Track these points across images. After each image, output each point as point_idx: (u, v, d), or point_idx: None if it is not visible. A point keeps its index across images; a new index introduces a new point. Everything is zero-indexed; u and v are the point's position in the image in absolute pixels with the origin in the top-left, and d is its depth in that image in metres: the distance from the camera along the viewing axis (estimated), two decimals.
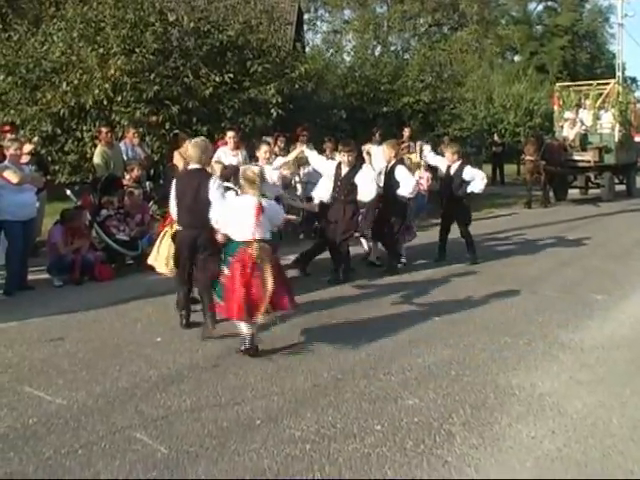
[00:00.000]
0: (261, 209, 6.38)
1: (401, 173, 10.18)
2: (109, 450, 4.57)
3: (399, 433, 4.81)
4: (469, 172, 10.98)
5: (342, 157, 9.79)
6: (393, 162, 10.31)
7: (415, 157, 13.51)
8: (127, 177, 11.46)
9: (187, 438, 4.73)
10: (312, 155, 10.54)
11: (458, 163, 11.05)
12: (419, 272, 10.43)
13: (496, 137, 30.10)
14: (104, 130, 12.15)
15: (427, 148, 12.47)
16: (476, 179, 10.92)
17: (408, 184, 10.12)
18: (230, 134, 11.75)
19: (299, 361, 6.36)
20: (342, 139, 10.52)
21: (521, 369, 6.15)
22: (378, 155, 10.72)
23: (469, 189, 10.94)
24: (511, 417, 5.09)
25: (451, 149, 11.38)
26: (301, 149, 10.66)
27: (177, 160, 11.75)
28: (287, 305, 6.58)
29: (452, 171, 11.06)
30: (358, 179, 9.61)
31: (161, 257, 7.97)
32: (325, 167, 10.20)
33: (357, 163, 9.96)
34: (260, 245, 6.35)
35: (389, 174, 10.26)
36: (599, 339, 7.05)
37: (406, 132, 16.83)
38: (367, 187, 9.60)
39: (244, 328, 6.49)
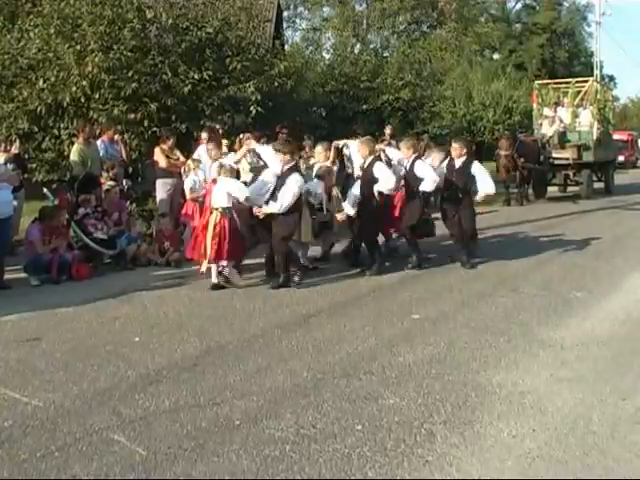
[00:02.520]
0: (214, 183, 9.17)
1: (380, 170, 10.01)
2: (86, 452, 4.49)
3: (379, 433, 4.77)
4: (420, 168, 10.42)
5: (276, 156, 9.52)
6: (370, 159, 10.09)
7: None
8: (104, 175, 11.38)
9: (165, 439, 4.67)
10: (264, 152, 10.20)
11: (413, 157, 10.55)
12: (398, 270, 10.39)
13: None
14: (86, 128, 12.02)
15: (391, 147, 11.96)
16: (426, 178, 10.28)
17: (388, 180, 9.92)
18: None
19: (278, 361, 6.31)
20: (285, 139, 10.05)
21: (502, 367, 6.14)
22: (356, 151, 10.62)
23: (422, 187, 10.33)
24: (492, 416, 5.07)
25: (405, 144, 10.79)
26: (250, 147, 10.39)
27: (157, 156, 11.68)
28: (223, 256, 9.01)
29: (407, 166, 10.56)
30: (289, 181, 9.25)
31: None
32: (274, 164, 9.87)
33: (295, 165, 9.60)
34: (218, 210, 8.99)
35: (366, 171, 10.11)
36: (579, 336, 7.05)
37: (388, 130, 16.71)
38: (288, 191, 9.21)
39: (211, 267, 9.15)
